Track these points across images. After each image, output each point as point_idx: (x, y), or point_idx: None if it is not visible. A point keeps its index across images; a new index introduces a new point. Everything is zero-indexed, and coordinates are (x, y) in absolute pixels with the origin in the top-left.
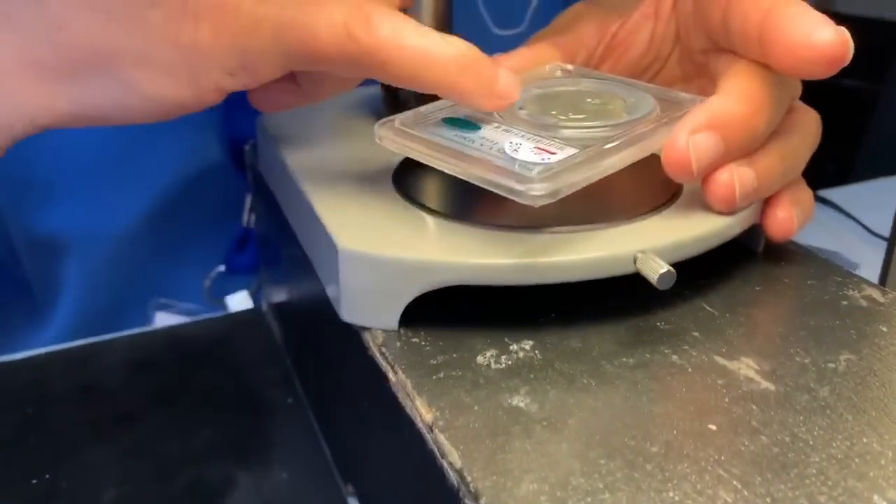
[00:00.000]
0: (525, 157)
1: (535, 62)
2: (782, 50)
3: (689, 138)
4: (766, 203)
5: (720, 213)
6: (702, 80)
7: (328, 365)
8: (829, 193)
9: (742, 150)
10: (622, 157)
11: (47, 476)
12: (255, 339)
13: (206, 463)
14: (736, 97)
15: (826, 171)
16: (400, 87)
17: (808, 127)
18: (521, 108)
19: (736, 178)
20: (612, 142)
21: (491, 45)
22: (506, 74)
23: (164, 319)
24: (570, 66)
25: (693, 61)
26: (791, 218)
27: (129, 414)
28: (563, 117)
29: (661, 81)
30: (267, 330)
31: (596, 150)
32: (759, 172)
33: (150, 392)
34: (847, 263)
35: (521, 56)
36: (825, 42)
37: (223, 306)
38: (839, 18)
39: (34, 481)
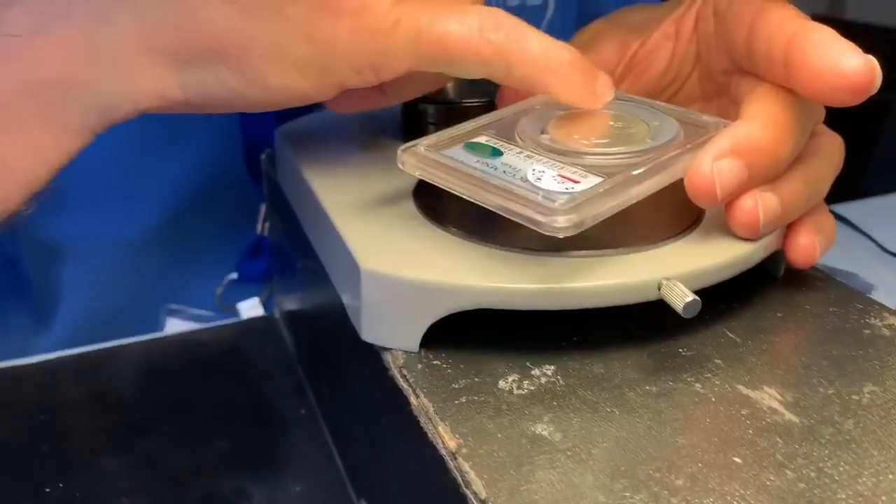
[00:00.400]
0: (548, 186)
1: None
2: (809, 76)
3: (713, 164)
4: (789, 229)
5: (743, 238)
6: (722, 100)
7: (343, 379)
8: (842, 209)
9: (766, 175)
10: (647, 185)
11: (61, 485)
12: (267, 348)
13: (219, 475)
14: (760, 123)
15: (836, 183)
16: (513, 86)
17: (832, 151)
18: (542, 133)
19: (760, 204)
20: (637, 169)
21: None
22: (603, 77)
23: (174, 325)
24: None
25: (714, 81)
26: (814, 245)
27: (141, 423)
28: (586, 142)
29: (680, 100)
30: (279, 338)
31: (620, 179)
32: (783, 198)
33: (163, 401)
34: (863, 285)
35: None
36: (854, 70)
37: (234, 313)
38: (849, 26)
39: (47, 490)
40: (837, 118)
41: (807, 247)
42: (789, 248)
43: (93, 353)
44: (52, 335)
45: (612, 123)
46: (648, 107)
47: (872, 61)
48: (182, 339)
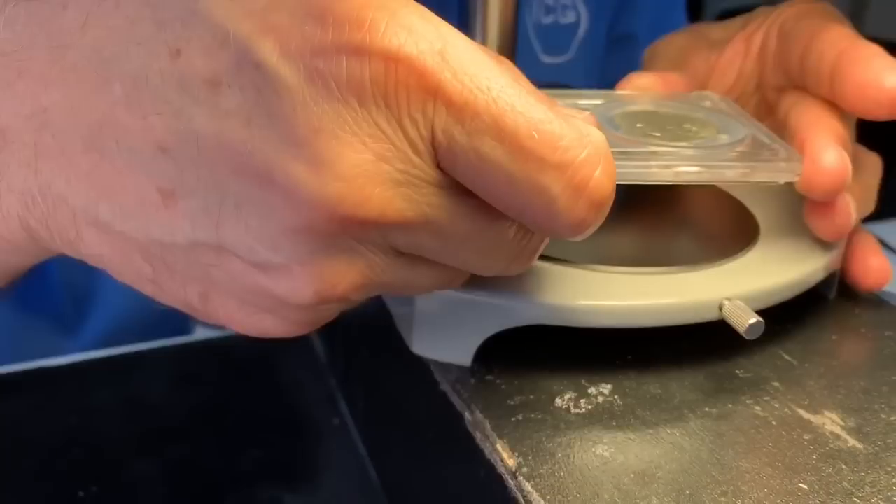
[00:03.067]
0: None
1: (664, 86)
2: (852, 88)
3: (839, 149)
4: (853, 253)
5: (829, 241)
6: (770, 119)
7: (383, 389)
8: (874, 229)
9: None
10: (684, 170)
11: (95, 489)
12: (297, 354)
13: (254, 483)
14: (833, 133)
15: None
16: None
17: (876, 167)
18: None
19: (849, 207)
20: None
21: (539, 72)
22: None
23: (201, 331)
24: (720, 98)
25: (767, 100)
26: (885, 266)
27: (174, 428)
28: (655, 134)
29: None
30: (309, 345)
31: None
32: (858, 204)
33: (195, 406)
34: None
35: (650, 78)
36: (894, 86)
37: None
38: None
39: (81, 494)
40: (860, 135)
41: (879, 268)
42: (859, 272)
43: (123, 356)
44: (81, 338)
45: (686, 125)
46: (739, 120)
47: None
48: (212, 344)
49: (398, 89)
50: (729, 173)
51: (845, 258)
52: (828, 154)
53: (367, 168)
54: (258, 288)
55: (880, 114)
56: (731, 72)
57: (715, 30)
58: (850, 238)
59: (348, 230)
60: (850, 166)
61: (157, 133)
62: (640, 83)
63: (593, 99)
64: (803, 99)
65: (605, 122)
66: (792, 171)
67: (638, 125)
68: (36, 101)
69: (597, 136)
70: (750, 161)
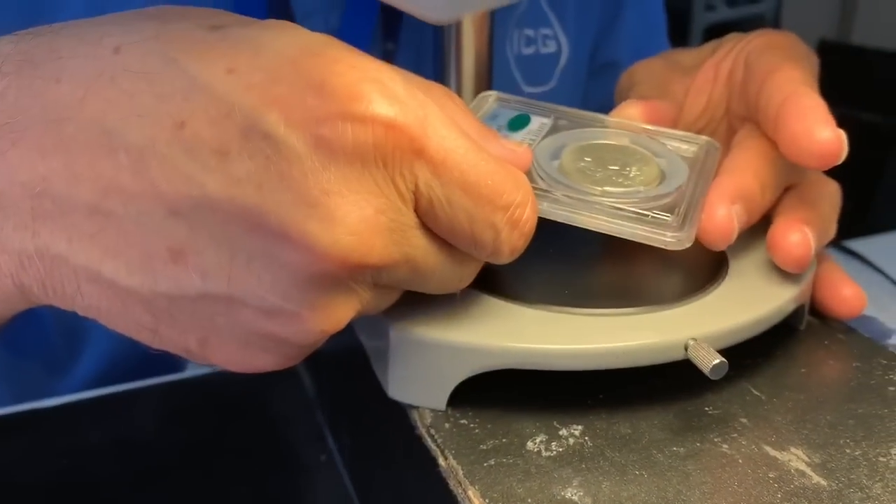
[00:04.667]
0: None
1: (651, 117)
2: (788, 137)
3: (729, 208)
4: (824, 285)
5: (792, 271)
6: None
7: (366, 429)
8: (855, 245)
9: (755, 218)
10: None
11: None
12: (286, 391)
13: None
14: (750, 173)
15: (844, 211)
16: None
17: (834, 196)
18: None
19: (809, 238)
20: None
21: None
22: None
23: (193, 367)
24: (707, 143)
25: (732, 128)
26: (860, 293)
27: (163, 467)
28: (592, 170)
29: None
30: (298, 381)
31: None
32: (816, 235)
33: (184, 444)
34: (881, 331)
35: (639, 108)
36: (824, 139)
37: None
38: (857, 51)
39: None
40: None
41: (853, 297)
42: (834, 302)
43: (113, 396)
44: (72, 379)
45: (628, 169)
46: (696, 174)
47: (842, 135)
48: (202, 381)
49: (394, 152)
50: (618, 229)
51: (817, 290)
52: (718, 210)
53: (371, 221)
54: (264, 332)
55: (811, 163)
56: (702, 98)
57: (686, 56)
58: (818, 270)
59: (352, 275)
60: (735, 225)
61: (167, 198)
62: (628, 113)
63: (583, 122)
64: (741, 142)
65: (549, 155)
66: (678, 242)
67: (586, 158)
68: (33, 169)
69: (525, 181)
70: (641, 225)
